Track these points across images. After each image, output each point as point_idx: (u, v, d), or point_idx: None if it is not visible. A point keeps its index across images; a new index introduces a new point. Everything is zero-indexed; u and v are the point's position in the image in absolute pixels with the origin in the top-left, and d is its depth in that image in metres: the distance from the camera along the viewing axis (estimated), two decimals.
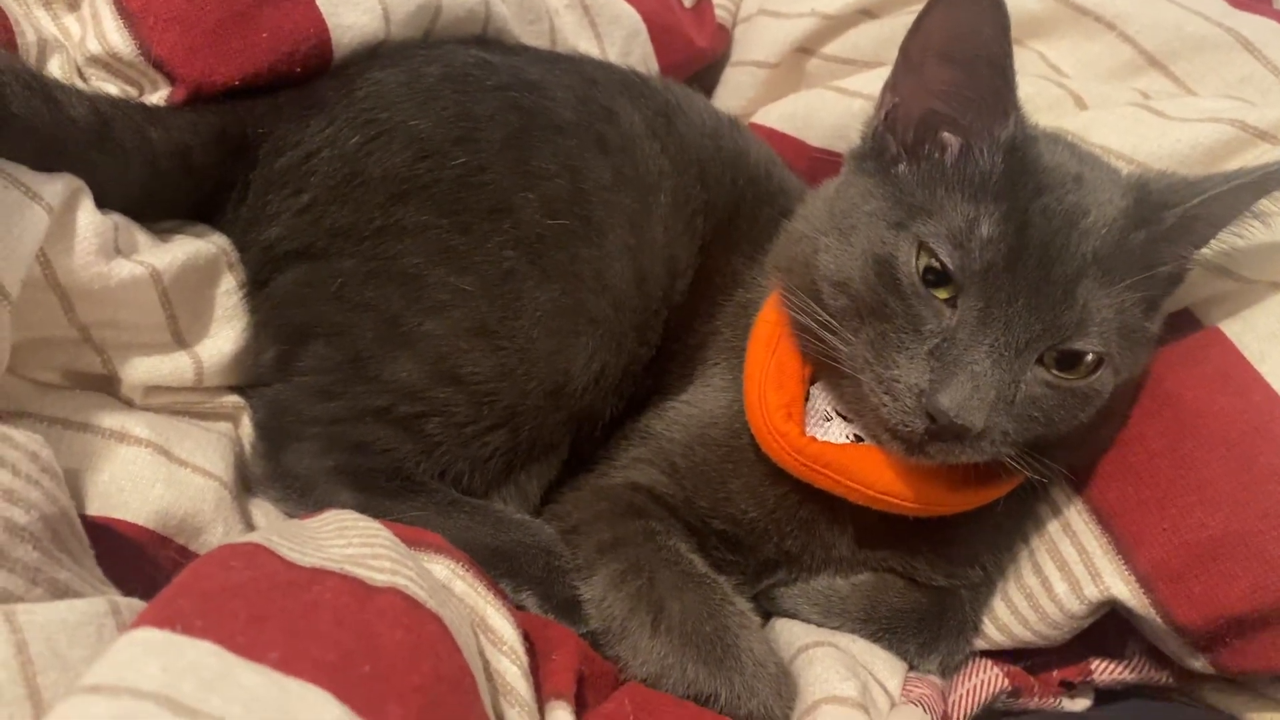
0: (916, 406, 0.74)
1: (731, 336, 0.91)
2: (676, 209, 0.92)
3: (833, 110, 1.13)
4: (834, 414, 0.84)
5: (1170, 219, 0.75)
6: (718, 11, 1.34)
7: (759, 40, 1.28)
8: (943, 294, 0.75)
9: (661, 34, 1.24)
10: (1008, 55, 0.73)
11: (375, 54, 0.96)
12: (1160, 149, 0.90)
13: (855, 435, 0.82)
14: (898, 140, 0.81)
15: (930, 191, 0.77)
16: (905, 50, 0.79)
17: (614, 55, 1.21)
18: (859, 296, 0.78)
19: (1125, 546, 0.80)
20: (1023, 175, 0.76)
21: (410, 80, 0.91)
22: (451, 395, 0.84)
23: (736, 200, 0.97)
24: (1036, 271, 0.73)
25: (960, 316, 0.74)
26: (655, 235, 0.90)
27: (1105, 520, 0.82)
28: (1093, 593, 0.81)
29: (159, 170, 0.84)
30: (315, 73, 0.94)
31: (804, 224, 0.86)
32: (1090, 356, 0.75)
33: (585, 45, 1.20)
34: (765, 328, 0.87)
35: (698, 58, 1.29)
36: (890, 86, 0.81)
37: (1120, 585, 0.79)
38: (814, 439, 0.81)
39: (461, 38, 1.04)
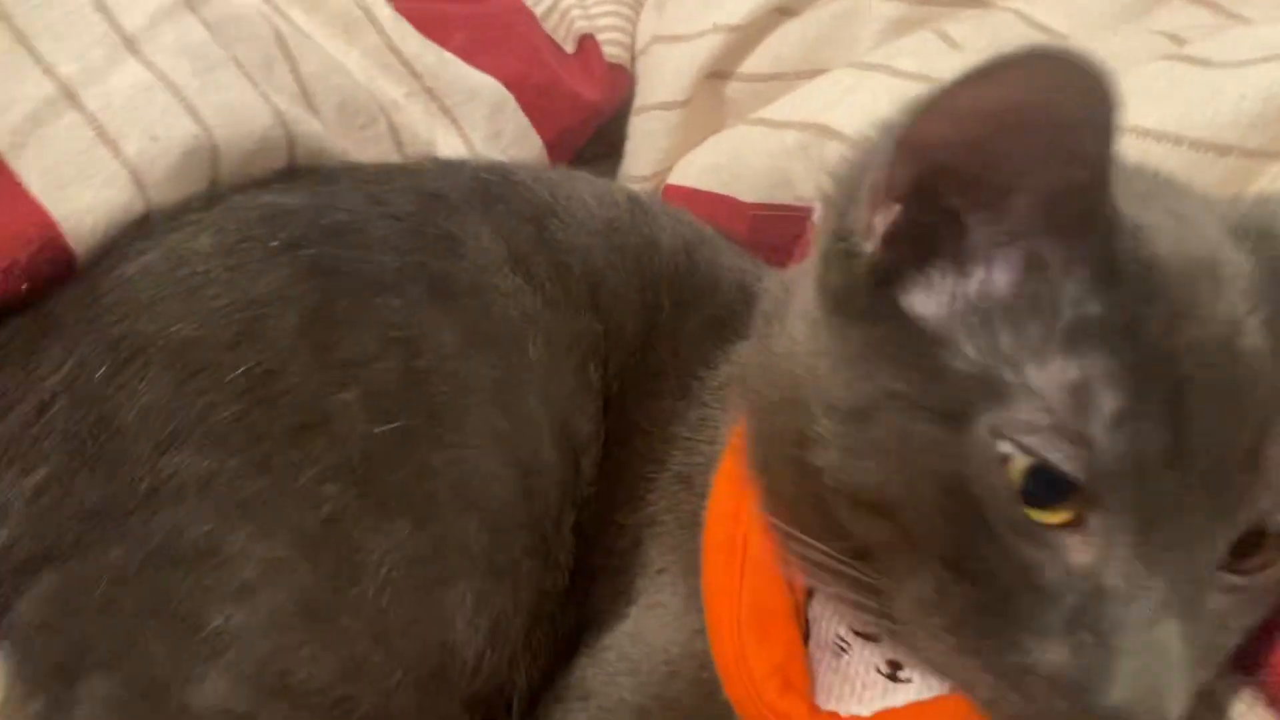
0: (1068, 709, 0.46)
1: (677, 528, 0.64)
2: (559, 359, 0.66)
3: (763, 151, 0.86)
4: (850, 640, 0.56)
5: None
6: (608, 50, 1.08)
7: (661, 75, 1.01)
8: (1059, 516, 0.46)
9: (536, 98, 0.98)
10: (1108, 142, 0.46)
11: (137, 235, 0.71)
12: (1219, 116, 0.63)
13: (891, 663, 0.55)
14: (903, 259, 0.51)
15: (986, 343, 0.48)
16: (916, 138, 0.47)
17: (480, 141, 0.95)
18: (915, 533, 0.49)
19: None
20: (1137, 288, 0.47)
21: (171, 265, 0.66)
22: (287, 715, 0.58)
23: (650, 317, 0.71)
24: (1207, 446, 0.46)
25: (1104, 550, 0.46)
26: (532, 407, 0.64)
27: None
28: None
29: None
30: (58, 284, 0.69)
31: (774, 375, 0.56)
32: None
33: (443, 138, 0.95)
34: (723, 527, 0.59)
35: (591, 114, 1.03)
36: (882, 186, 0.49)
37: None
38: (835, 716, 0.54)
39: (262, 178, 0.78)
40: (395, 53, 0.93)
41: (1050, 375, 0.46)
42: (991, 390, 0.47)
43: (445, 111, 0.95)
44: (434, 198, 0.72)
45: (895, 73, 0.80)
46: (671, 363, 0.69)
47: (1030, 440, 0.46)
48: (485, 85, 0.96)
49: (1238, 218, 0.54)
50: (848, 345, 0.51)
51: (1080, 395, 0.45)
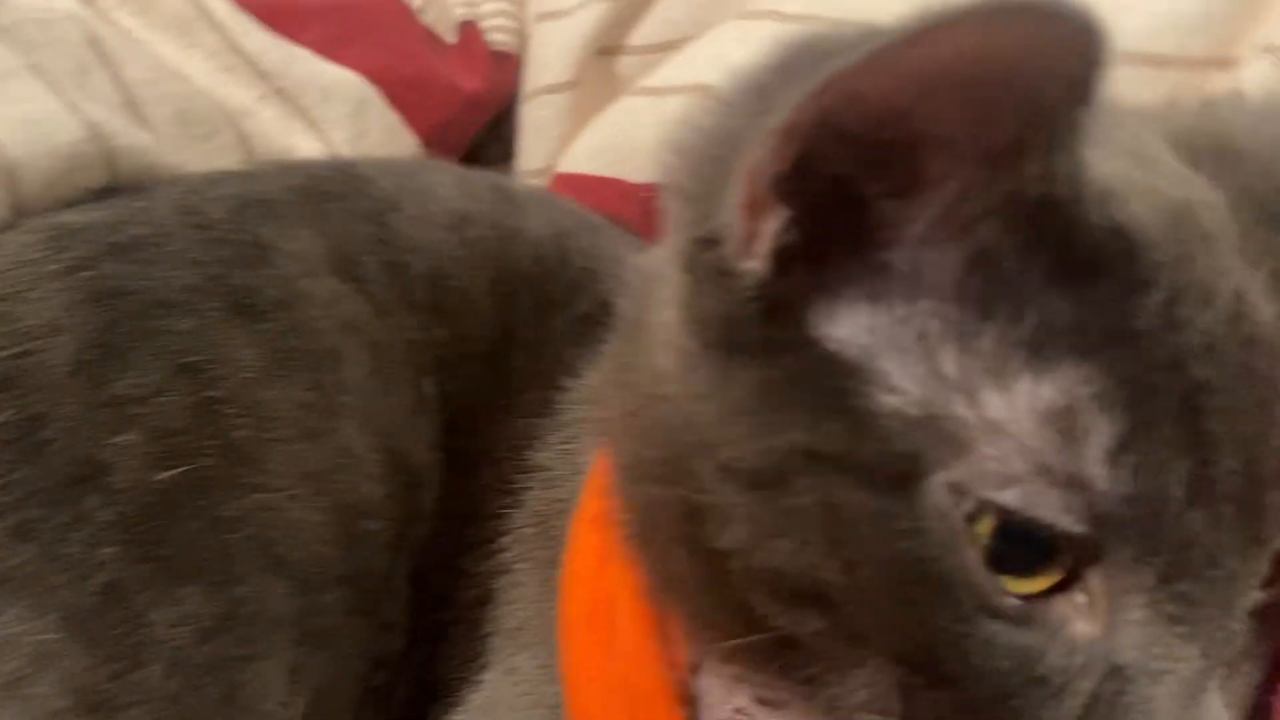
0: None
1: (536, 579, 0.53)
2: (389, 375, 0.56)
3: (649, 124, 0.76)
4: (754, 710, 0.44)
5: None
6: (494, 36, 0.98)
7: (545, 56, 0.91)
8: (1048, 579, 0.36)
9: (406, 92, 0.88)
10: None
11: None
12: (1152, 20, 0.53)
13: None
14: (803, 274, 0.38)
15: (927, 370, 0.36)
16: (818, 110, 0.34)
17: (344, 142, 0.85)
18: (861, 626, 0.38)
19: None
20: (1118, 272, 0.36)
21: None
22: None
23: (504, 318, 0.60)
24: (1235, 466, 0.35)
25: (1114, 616, 0.36)
26: (350, 436, 0.53)
27: None
28: None
29: None
30: None
31: (643, 424, 0.44)
32: None
33: (302, 143, 0.84)
34: (584, 592, 0.48)
35: (473, 105, 0.93)
36: (764, 179, 0.36)
37: None
38: None
39: (75, 199, 0.68)
40: (237, 52, 0.83)
41: (1019, 402, 0.35)
42: (942, 434, 0.35)
43: (302, 114, 0.84)
44: (254, 203, 0.62)
45: (783, 17, 0.70)
46: (530, 373, 0.58)
47: (1008, 496, 0.34)
48: (345, 81, 0.86)
49: (1184, 136, 0.43)
50: (736, 391, 0.38)
51: (1065, 424, 0.34)
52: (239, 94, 0.83)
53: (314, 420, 0.53)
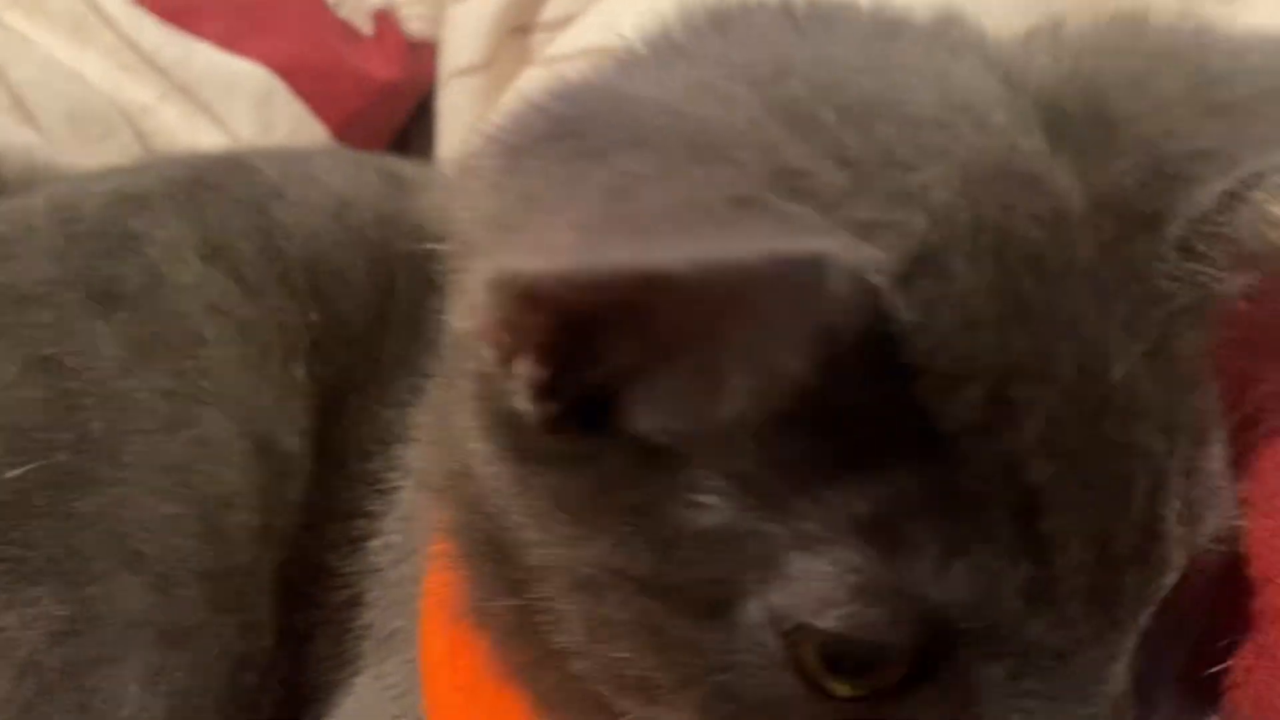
0: None
1: (408, 582, 0.47)
2: (256, 359, 0.53)
3: None
4: None
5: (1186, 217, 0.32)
6: (412, 25, 0.95)
7: (457, 38, 0.88)
8: (893, 674, 0.32)
9: (313, 82, 0.86)
10: None
11: None
12: None
13: None
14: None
15: (736, 485, 0.31)
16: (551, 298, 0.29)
17: (250, 136, 0.83)
18: None
19: None
20: (920, 339, 0.30)
21: None
22: None
23: (380, 301, 0.57)
24: (1083, 559, 0.31)
25: (967, 712, 0.32)
26: (214, 423, 0.50)
27: None
28: None
29: None
30: None
31: (468, 503, 0.39)
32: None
33: (207, 139, 0.82)
34: (443, 631, 0.43)
35: (389, 95, 0.91)
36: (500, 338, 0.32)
37: None
38: None
39: None
40: (133, 48, 0.81)
41: (833, 514, 0.30)
42: (752, 555, 0.31)
43: (205, 109, 0.82)
44: (130, 197, 0.59)
45: None
46: (403, 359, 0.54)
47: (828, 620, 0.30)
48: (248, 73, 0.84)
49: (1055, 94, 0.34)
50: (536, 497, 0.34)
51: (884, 537, 0.30)
52: (138, 92, 0.81)
53: (175, 409, 0.50)
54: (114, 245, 0.55)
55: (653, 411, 0.32)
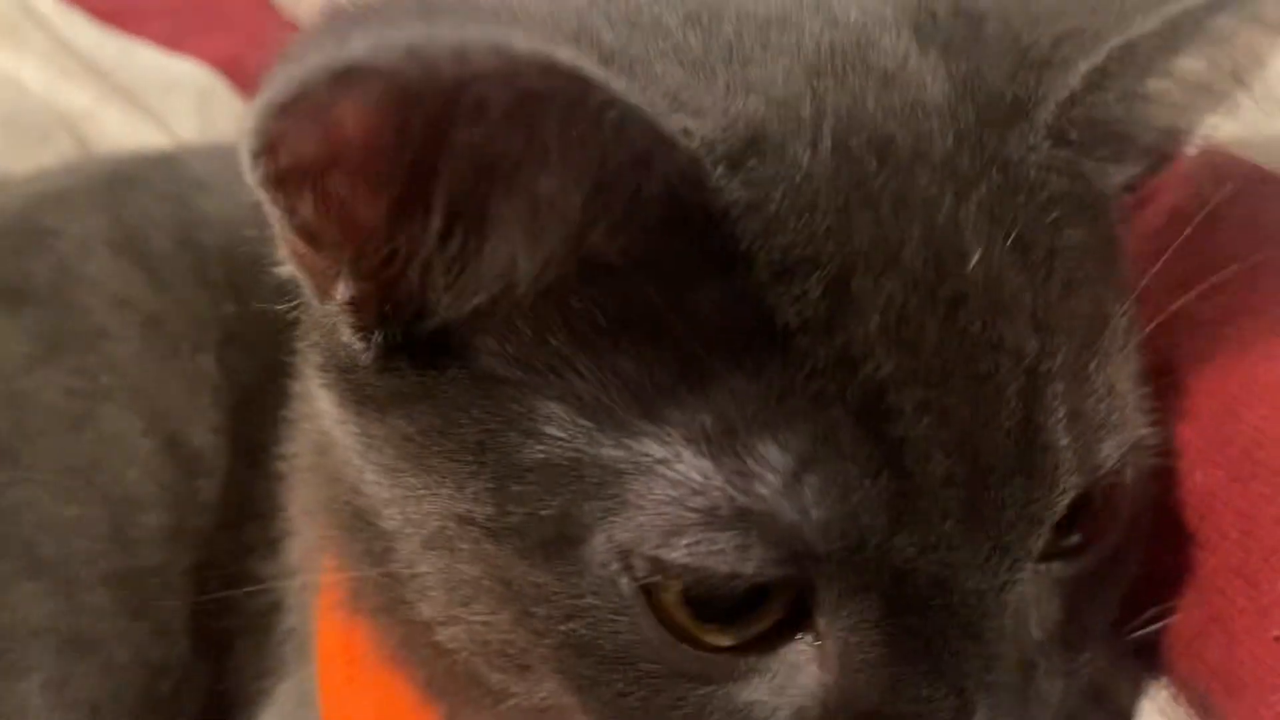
0: None
1: (299, 616, 0.47)
2: (168, 352, 0.51)
3: None
4: None
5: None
6: None
7: None
8: (764, 621, 0.29)
9: (256, 80, 0.83)
10: None
11: None
12: None
13: None
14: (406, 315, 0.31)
15: (570, 407, 0.30)
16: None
17: (192, 135, 0.80)
18: (589, 699, 0.32)
19: None
20: (769, 251, 0.28)
21: None
22: None
23: None
24: (953, 469, 0.28)
25: (850, 653, 0.29)
26: (119, 420, 0.48)
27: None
28: None
29: None
30: None
31: (323, 473, 0.39)
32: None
33: (149, 140, 0.80)
34: (332, 639, 0.42)
35: None
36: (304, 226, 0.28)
37: None
38: None
39: None
40: (70, 52, 0.79)
41: (673, 432, 0.28)
42: (593, 484, 0.29)
43: (145, 110, 0.80)
44: (52, 195, 0.58)
45: None
46: None
47: (676, 551, 0.28)
48: (186, 72, 0.82)
49: None
50: (380, 450, 0.33)
51: (727, 452, 0.28)
52: (76, 96, 0.80)
53: (78, 406, 0.48)
54: (26, 242, 0.54)
55: (483, 352, 0.30)
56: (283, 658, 0.47)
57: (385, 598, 0.36)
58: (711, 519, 0.28)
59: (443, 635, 0.34)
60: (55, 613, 0.45)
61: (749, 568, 0.28)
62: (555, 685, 0.32)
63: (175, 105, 0.81)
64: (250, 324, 0.53)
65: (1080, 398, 0.30)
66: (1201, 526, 0.37)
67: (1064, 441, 0.29)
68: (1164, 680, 0.37)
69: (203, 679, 0.48)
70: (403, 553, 0.33)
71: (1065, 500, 0.30)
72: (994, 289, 0.29)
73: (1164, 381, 0.38)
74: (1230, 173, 0.41)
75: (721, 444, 0.28)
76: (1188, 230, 0.37)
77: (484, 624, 0.32)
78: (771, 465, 0.27)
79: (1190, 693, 0.37)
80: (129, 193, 0.58)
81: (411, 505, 0.32)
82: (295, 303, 0.35)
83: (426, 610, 0.34)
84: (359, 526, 0.35)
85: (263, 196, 0.27)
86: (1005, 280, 0.29)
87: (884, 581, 0.28)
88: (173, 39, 0.83)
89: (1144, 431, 0.33)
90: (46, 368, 0.49)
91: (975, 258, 0.28)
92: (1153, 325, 0.35)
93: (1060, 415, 0.29)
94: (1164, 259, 0.36)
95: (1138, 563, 0.36)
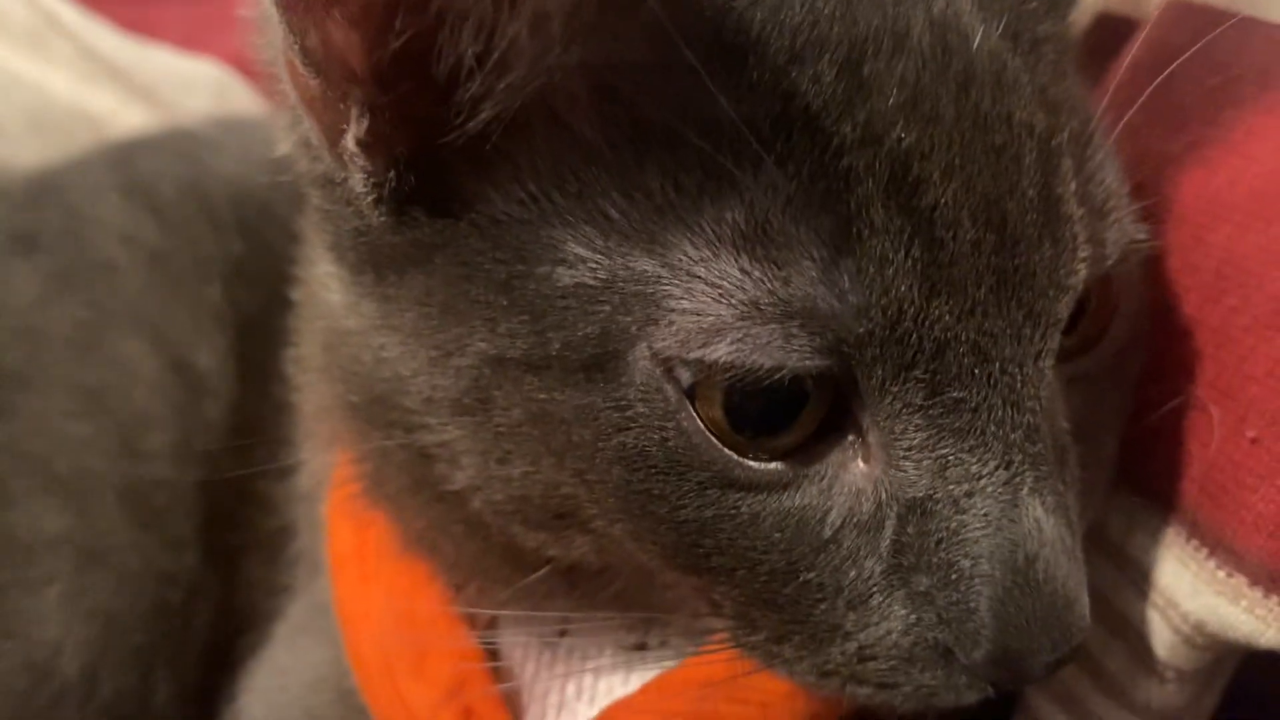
0: (942, 682, 0.31)
1: (310, 537, 0.48)
2: (174, 285, 0.53)
3: None
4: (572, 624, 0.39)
5: None
6: None
7: None
8: (805, 430, 0.30)
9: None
10: None
11: None
12: None
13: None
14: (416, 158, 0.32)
15: (598, 229, 0.30)
16: None
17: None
18: (630, 540, 0.33)
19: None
20: (780, 39, 0.30)
21: None
22: None
23: None
24: (979, 241, 0.29)
25: (890, 446, 0.30)
26: (127, 346, 0.50)
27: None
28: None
29: None
30: None
31: (340, 363, 0.38)
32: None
33: None
34: (347, 531, 0.43)
35: None
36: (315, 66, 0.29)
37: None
38: None
39: None
40: (93, 57, 0.82)
41: (704, 235, 0.29)
42: (629, 298, 0.29)
43: (164, 108, 0.83)
44: (65, 162, 0.61)
45: None
46: None
47: (719, 350, 0.28)
48: (200, 73, 0.85)
49: None
50: (403, 314, 0.33)
51: (748, 247, 0.29)
52: (99, 100, 0.83)
53: (87, 335, 0.50)
54: (39, 195, 0.57)
55: (503, 191, 0.30)
56: (294, 576, 0.49)
57: (410, 477, 0.36)
58: (753, 314, 0.28)
59: (477, 503, 0.34)
60: (70, 525, 0.47)
61: (791, 359, 0.28)
62: (601, 524, 0.32)
63: (191, 102, 0.84)
64: (257, 262, 0.55)
65: (1084, 179, 0.31)
66: (1180, 351, 0.37)
67: (1078, 214, 0.31)
68: (1178, 528, 0.37)
69: (214, 591, 0.49)
70: (432, 424, 0.33)
71: (1084, 272, 0.31)
72: (998, 68, 0.30)
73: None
74: (1194, 21, 0.42)
75: (755, 239, 0.28)
76: (1159, 79, 0.38)
77: (523, 476, 0.32)
78: (807, 253, 0.28)
79: (1203, 533, 0.36)
80: (140, 154, 0.61)
81: (439, 367, 0.32)
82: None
83: (460, 479, 0.34)
84: (379, 412, 0.35)
85: (275, 18, 0.28)
86: (1007, 62, 0.31)
87: (925, 357, 0.29)
88: (188, 40, 0.87)
89: (1136, 226, 0.34)
90: (58, 303, 0.51)
91: (978, 38, 0.30)
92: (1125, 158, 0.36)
93: (1073, 189, 0.31)
94: (1138, 104, 0.36)
95: (1139, 366, 0.36)
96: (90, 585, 0.46)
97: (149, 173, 0.58)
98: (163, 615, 0.48)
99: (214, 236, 0.55)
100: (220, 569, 0.50)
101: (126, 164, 0.59)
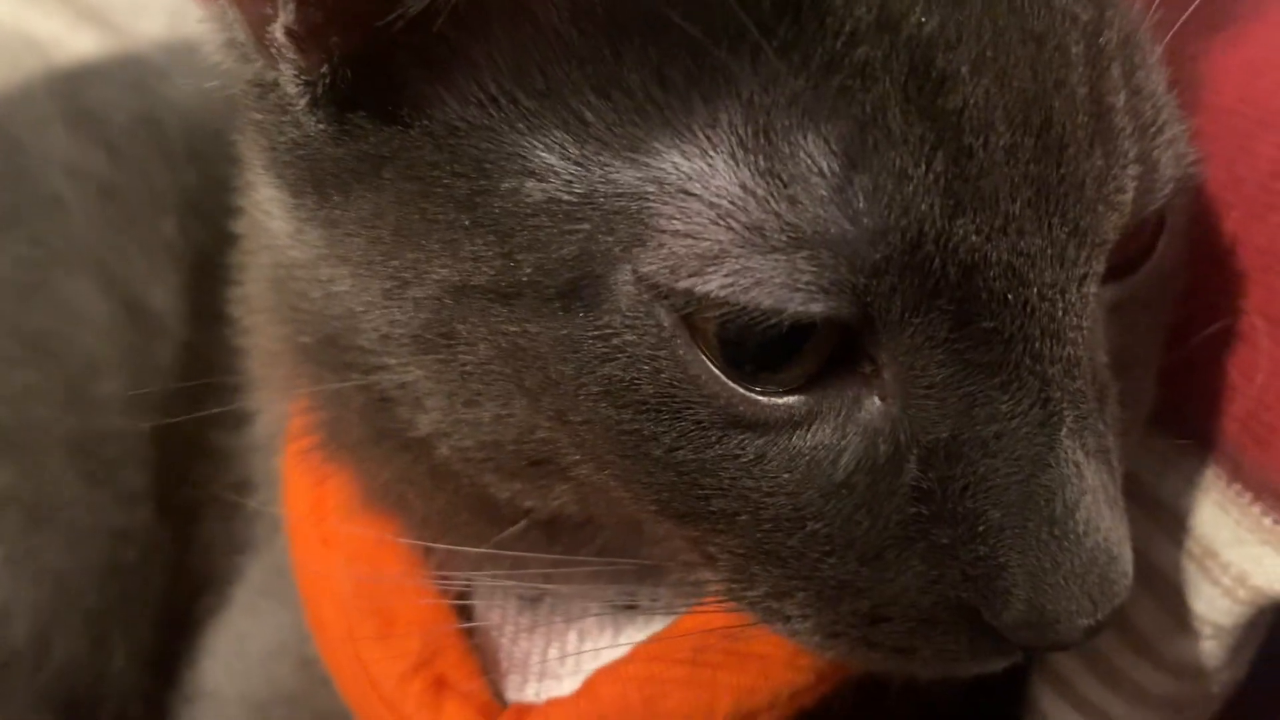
0: (967, 644, 0.28)
1: (268, 492, 0.44)
2: (124, 219, 0.50)
3: None
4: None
5: None
6: None
7: None
8: (812, 362, 0.26)
9: None
10: None
11: None
12: None
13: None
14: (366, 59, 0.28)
15: (571, 134, 0.26)
16: None
17: None
18: (615, 487, 0.29)
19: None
20: None
21: None
22: None
23: None
24: (1016, 151, 0.25)
25: (911, 382, 0.26)
26: (73, 285, 0.47)
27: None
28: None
29: None
30: None
31: (286, 300, 0.35)
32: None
33: None
34: (304, 487, 0.39)
35: None
36: None
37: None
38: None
39: None
40: None
41: (698, 144, 0.25)
42: (611, 215, 0.25)
43: (116, 32, 0.79)
44: (7, 95, 0.57)
45: None
46: None
47: (713, 282, 0.25)
48: None
49: None
50: (351, 240, 0.29)
51: (765, 157, 0.24)
52: (45, 24, 0.78)
53: (31, 275, 0.47)
54: None
55: (459, 91, 0.27)
56: (253, 535, 0.45)
57: (371, 425, 0.33)
58: (755, 241, 0.24)
59: (445, 450, 0.30)
60: (15, 482, 0.44)
61: (794, 302, 0.24)
62: (584, 471, 0.29)
63: (146, 27, 0.79)
64: (211, 194, 0.51)
65: (1133, 90, 0.27)
66: (1220, 274, 0.34)
67: (1129, 128, 0.27)
68: (1217, 470, 0.34)
69: (170, 550, 0.47)
70: (391, 364, 0.30)
71: (1133, 192, 0.27)
72: None
73: None
74: None
75: (756, 148, 0.24)
76: None
77: (495, 419, 0.29)
78: (815, 166, 0.24)
79: (1246, 475, 0.33)
80: (88, 82, 0.57)
81: (395, 299, 0.29)
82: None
83: (425, 424, 0.30)
84: (333, 353, 0.32)
85: None
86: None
87: (951, 282, 0.25)
88: None
89: (1190, 149, 0.30)
90: (1, 240, 0.47)
91: None
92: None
93: (1122, 95, 0.26)
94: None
95: (1182, 286, 0.33)
96: (38, 545, 0.43)
97: (98, 101, 0.54)
98: (116, 575, 0.45)
99: (167, 168, 0.51)
100: (176, 526, 0.46)
101: (73, 92, 0.55)
